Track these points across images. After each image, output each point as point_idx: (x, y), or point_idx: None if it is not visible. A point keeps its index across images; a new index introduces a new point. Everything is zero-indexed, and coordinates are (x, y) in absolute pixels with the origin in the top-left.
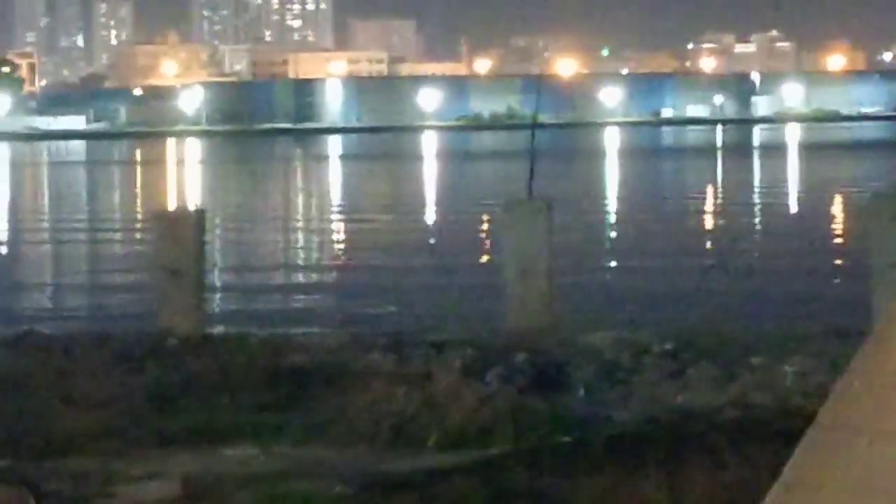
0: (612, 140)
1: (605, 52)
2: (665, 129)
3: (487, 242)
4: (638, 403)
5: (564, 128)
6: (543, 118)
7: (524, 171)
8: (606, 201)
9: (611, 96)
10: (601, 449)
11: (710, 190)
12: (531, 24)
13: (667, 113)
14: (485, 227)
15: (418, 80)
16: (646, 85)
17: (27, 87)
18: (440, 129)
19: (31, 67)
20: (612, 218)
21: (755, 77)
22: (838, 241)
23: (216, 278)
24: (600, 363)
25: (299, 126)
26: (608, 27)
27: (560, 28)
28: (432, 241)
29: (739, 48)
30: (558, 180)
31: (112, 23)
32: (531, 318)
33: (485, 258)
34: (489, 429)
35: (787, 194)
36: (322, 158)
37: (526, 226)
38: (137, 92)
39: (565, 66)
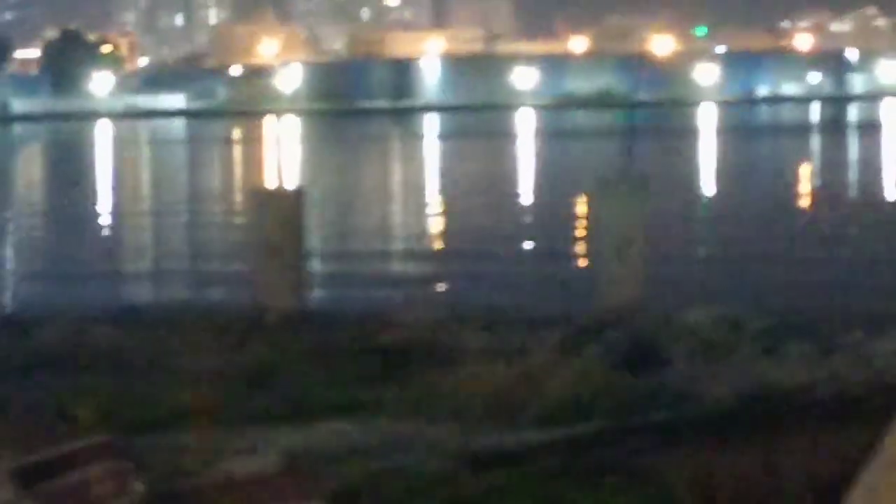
0: (707, 118)
1: (700, 31)
2: (760, 107)
3: (583, 221)
4: (733, 379)
5: (660, 106)
6: (639, 97)
7: (620, 149)
8: (702, 180)
9: (706, 75)
10: (697, 424)
11: (806, 169)
12: (627, 3)
13: (762, 91)
14: (580, 206)
15: (514, 58)
16: (741, 63)
17: (128, 66)
18: (536, 107)
19: (132, 46)
20: (707, 196)
21: (851, 54)
22: None
23: (315, 256)
24: (696, 339)
25: (396, 105)
26: (704, 6)
27: (655, 7)
28: (528, 219)
29: (835, 26)
30: (654, 159)
31: (211, 2)
32: (627, 296)
33: (580, 236)
34: (585, 404)
35: (883, 173)
36: (418, 137)
37: (621, 204)
38: (236, 71)
39: (661, 44)
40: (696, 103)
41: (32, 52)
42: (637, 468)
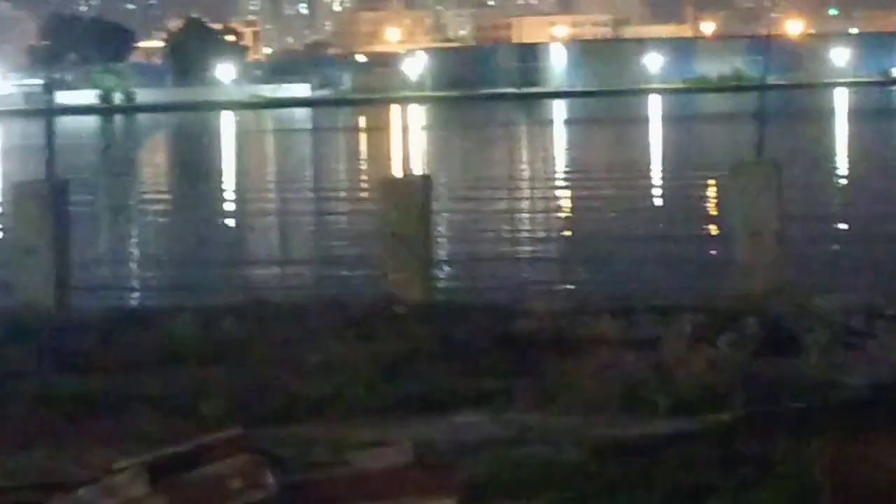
0: (841, 100)
1: (832, 12)
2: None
3: (715, 206)
4: (871, 368)
5: (792, 89)
6: (771, 79)
7: (752, 133)
8: (837, 163)
9: (839, 56)
10: (834, 414)
11: None
12: None
13: None
14: (712, 190)
15: (643, 42)
16: (875, 44)
17: (252, 56)
18: (665, 91)
19: (256, 35)
20: (843, 180)
21: None
22: None
23: (443, 245)
24: (832, 327)
25: (523, 91)
26: None
27: None
28: (659, 205)
29: None
30: (787, 142)
31: None
32: (761, 282)
33: (713, 222)
34: (720, 394)
35: None
36: (546, 123)
37: (755, 189)
38: (361, 59)
39: (792, 26)
40: (828, 85)
41: (156, 43)
42: (773, 457)
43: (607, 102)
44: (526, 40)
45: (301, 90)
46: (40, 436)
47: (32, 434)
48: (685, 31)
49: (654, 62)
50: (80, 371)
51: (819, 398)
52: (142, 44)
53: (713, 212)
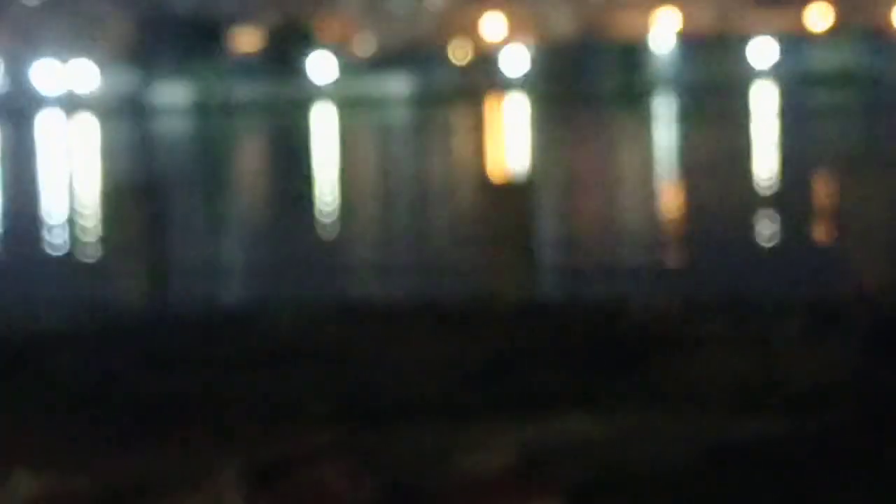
0: None
1: None
2: None
3: (826, 202)
4: None
5: None
6: (885, 73)
7: (865, 128)
8: None
9: None
10: None
11: None
12: None
13: None
14: (823, 186)
15: (752, 35)
16: None
17: (351, 51)
18: (775, 85)
19: (355, 31)
20: None
21: None
22: None
23: (546, 244)
24: None
25: (627, 86)
26: None
27: None
28: (768, 201)
29: None
30: None
31: None
32: (873, 279)
33: (825, 218)
34: (831, 394)
35: None
36: (651, 119)
37: (867, 184)
38: (462, 54)
39: None
40: None
41: (252, 38)
42: (887, 459)
43: (715, 96)
44: (630, 33)
45: (402, 86)
46: (137, 439)
47: (129, 437)
48: (796, 21)
49: (762, 54)
50: (178, 372)
51: None
52: (238, 40)
53: (826, 207)
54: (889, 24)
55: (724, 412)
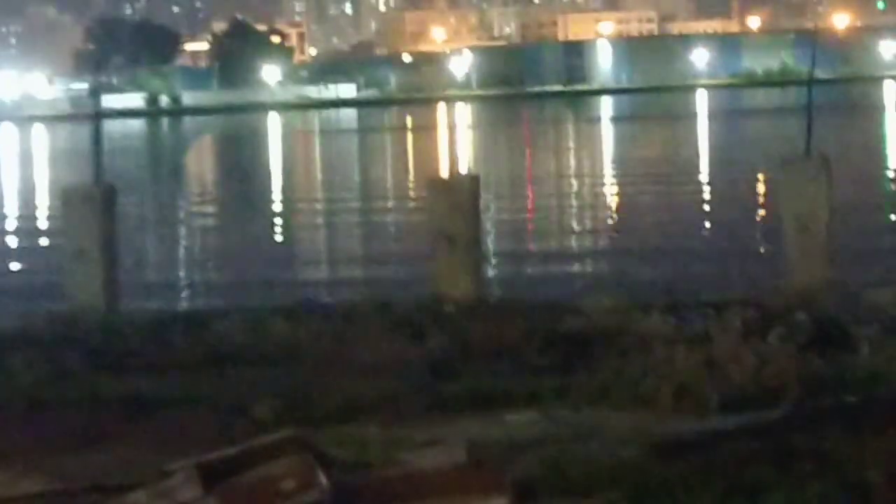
0: (890, 94)
1: (880, 5)
2: None
3: (764, 201)
4: None
5: (840, 83)
6: (818, 73)
7: (800, 128)
8: (886, 157)
9: (888, 49)
10: (887, 409)
11: None
12: None
13: None
14: (761, 185)
15: (689, 38)
16: None
17: (297, 57)
18: (712, 87)
19: (301, 37)
20: (893, 173)
21: None
22: None
23: (491, 244)
24: (884, 320)
25: (569, 88)
26: None
27: None
28: (707, 200)
29: None
30: (836, 136)
31: None
32: (811, 276)
33: (762, 217)
34: (772, 389)
35: None
36: (593, 120)
37: (804, 183)
38: (407, 58)
39: (839, 19)
40: (877, 79)
41: (201, 45)
42: (828, 453)
43: (654, 99)
44: (571, 37)
45: (347, 91)
46: (92, 438)
47: (84, 437)
48: (731, 26)
49: (700, 58)
50: (130, 373)
51: (872, 393)
52: (187, 46)
53: (762, 207)
54: (823, 26)
55: (666, 408)
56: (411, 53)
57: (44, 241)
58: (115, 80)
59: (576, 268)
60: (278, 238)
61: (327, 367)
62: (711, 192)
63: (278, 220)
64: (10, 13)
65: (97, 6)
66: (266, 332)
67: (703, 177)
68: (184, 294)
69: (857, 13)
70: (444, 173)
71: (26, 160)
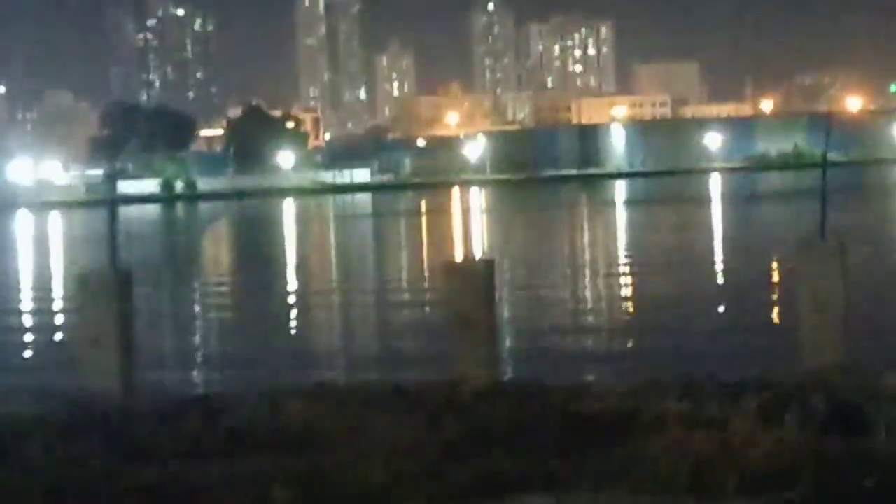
0: None
1: (893, 88)
2: None
3: (779, 283)
4: None
5: (854, 165)
6: (832, 156)
7: (815, 211)
8: None
9: None
10: None
11: None
12: (816, 62)
13: None
14: (777, 269)
15: (703, 121)
16: None
17: (312, 142)
18: (726, 170)
19: (316, 122)
20: None
21: None
22: None
23: (507, 327)
24: None
25: (583, 172)
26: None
27: (846, 64)
28: (723, 283)
29: None
30: (851, 219)
31: (394, 75)
32: (827, 359)
33: (778, 300)
34: (789, 472)
35: None
36: (608, 204)
37: (820, 265)
38: (421, 143)
39: (852, 102)
40: (891, 161)
41: (217, 131)
42: None
43: (668, 182)
44: (585, 121)
45: (362, 175)
46: None
47: None
48: (745, 109)
49: (714, 141)
50: (147, 459)
51: (888, 476)
52: (203, 132)
53: (778, 290)
54: (836, 109)
55: (684, 490)
56: (425, 138)
57: (60, 327)
58: (130, 166)
59: (591, 350)
60: (294, 322)
61: (344, 450)
62: (726, 276)
63: (294, 305)
64: (26, 100)
65: (113, 92)
66: (282, 415)
67: (720, 261)
68: (200, 378)
69: (870, 96)
70: (460, 258)
71: (42, 246)
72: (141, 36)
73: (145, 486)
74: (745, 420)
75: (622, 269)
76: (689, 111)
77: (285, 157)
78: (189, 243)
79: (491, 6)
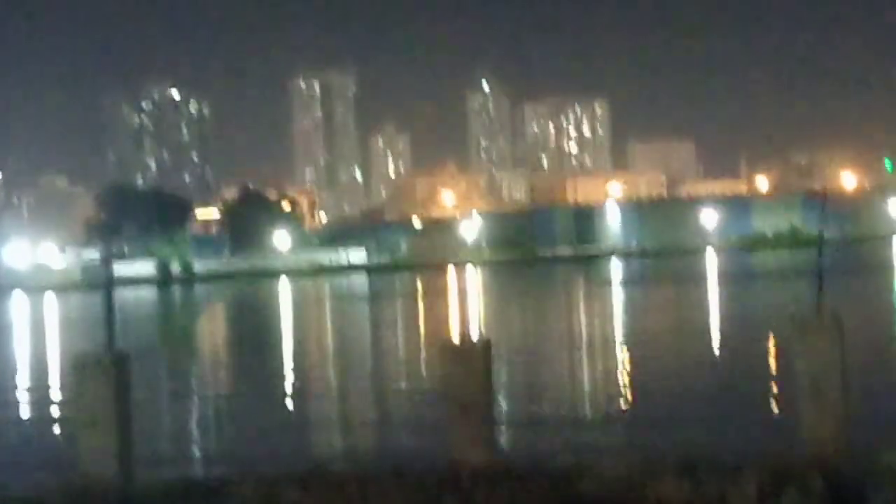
0: None
1: (888, 167)
2: None
3: (777, 363)
4: None
5: (851, 243)
6: (828, 234)
7: (811, 289)
8: None
9: None
10: None
11: None
12: (811, 140)
13: None
14: (773, 347)
15: (698, 200)
16: None
17: (308, 223)
18: (722, 249)
19: (312, 203)
20: None
21: None
22: None
23: (505, 409)
24: None
25: (580, 252)
26: (893, 137)
27: (840, 142)
28: (720, 363)
29: None
30: (848, 297)
31: (390, 155)
32: (825, 437)
33: (775, 379)
34: None
35: None
36: (604, 284)
37: (817, 343)
38: (417, 223)
39: (846, 179)
40: (888, 238)
41: (212, 212)
42: None
43: (664, 261)
44: (581, 199)
45: (358, 256)
46: None
47: None
48: (739, 186)
49: (709, 219)
50: None
51: None
52: (199, 213)
53: (775, 369)
54: (831, 187)
55: None
56: (421, 218)
57: (56, 410)
58: (126, 249)
59: (589, 432)
60: (291, 406)
61: None
62: (723, 357)
63: (291, 389)
64: (22, 184)
65: (108, 176)
66: (280, 500)
67: (716, 341)
68: (198, 462)
69: (865, 174)
70: (456, 339)
71: (38, 328)
72: (136, 119)
73: None
74: (743, 501)
75: (619, 351)
76: (684, 189)
77: (281, 238)
78: (185, 325)
79: (486, 86)
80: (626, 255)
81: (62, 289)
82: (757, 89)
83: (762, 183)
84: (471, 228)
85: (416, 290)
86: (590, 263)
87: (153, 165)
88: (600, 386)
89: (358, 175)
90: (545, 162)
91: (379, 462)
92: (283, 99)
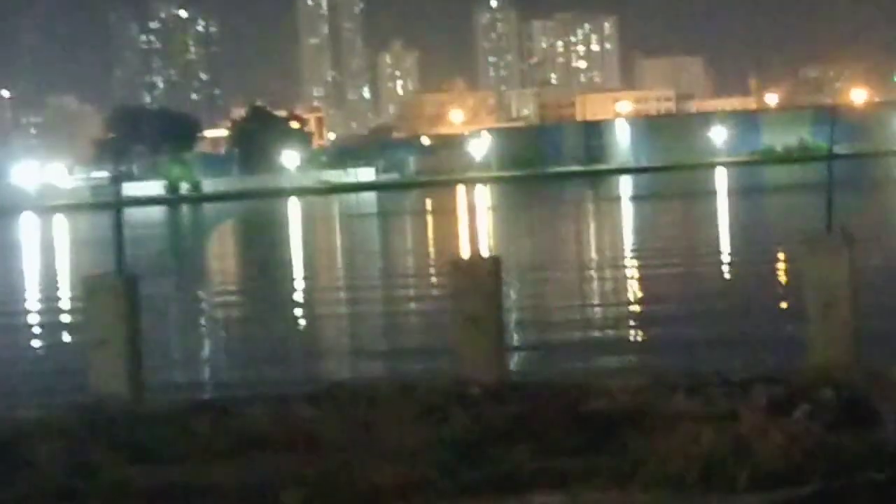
0: None
1: None
2: None
3: (787, 279)
4: None
5: (859, 158)
6: (837, 149)
7: (821, 204)
8: None
9: None
10: None
11: None
12: (820, 56)
13: None
14: (782, 263)
15: (708, 116)
16: None
17: (316, 142)
18: (732, 164)
19: (320, 121)
20: None
21: None
22: None
23: (514, 324)
24: None
25: (589, 168)
26: None
27: (850, 57)
28: (730, 278)
29: None
30: (858, 212)
31: (398, 73)
32: (836, 353)
33: (785, 295)
34: (799, 467)
35: None
36: (613, 200)
37: (827, 260)
38: (425, 141)
39: (856, 95)
40: None
41: (221, 132)
42: None
43: (673, 177)
44: (590, 117)
45: (366, 174)
46: None
47: None
48: (749, 103)
49: (719, 135)
50: (157, 463)
51: None
52: (207, 133)
53: (785, 284)
54: (841, 102)
55: (695, 487)
56: (430, 136)
57: (66, 331)
58: (135, 169)
59: (599, 348)
60: (301, 324)
61: (353, 452)
62: (734, 272)
63: (301, 307)
64: (30, 104)
65: (117, 96)
66: (291, 418)
67: (726, 256)
68: (208, 382)
69: (875, 89)
70: (466, 256)
71: (48, 249)
72: (144, 38)
73: (154, 489)
74: (755, 416)
75: (629, 265)
76: (693, 106)
77: (290, 157)
78: (195, 245)
79: (494, 3)
80: (635, 172)
81: (71, 209)
82: (767, 3)
83: (772, 99)
84: (479, 146)
85: (425, 207)
86: (599, 180)
87: (161, 85)
88: (610, 302)
89: (366, 93)
90: (554, 79)
91: (389, 379)
92: (291, 16)
